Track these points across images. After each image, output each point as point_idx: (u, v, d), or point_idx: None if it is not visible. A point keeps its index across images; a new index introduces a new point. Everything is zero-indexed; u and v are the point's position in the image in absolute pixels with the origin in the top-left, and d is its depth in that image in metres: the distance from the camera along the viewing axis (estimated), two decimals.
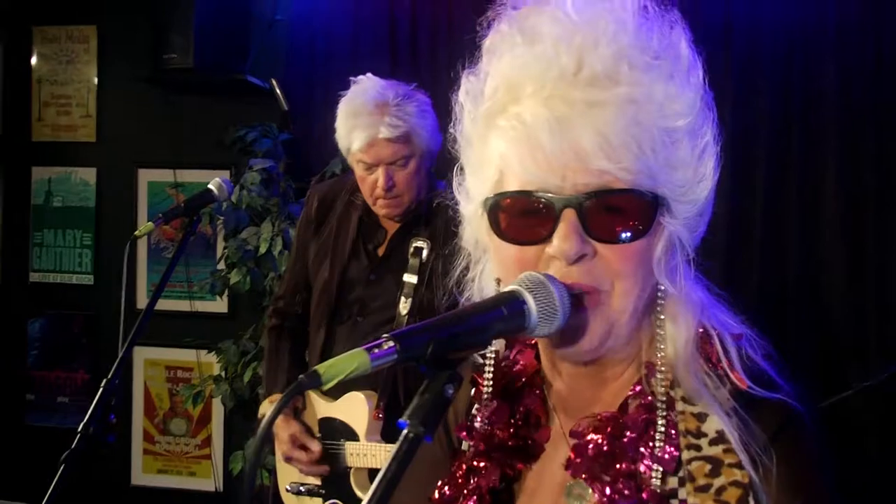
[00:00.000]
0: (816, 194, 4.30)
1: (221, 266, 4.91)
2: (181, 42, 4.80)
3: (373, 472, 3.15)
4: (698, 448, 1.20)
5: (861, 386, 3.63)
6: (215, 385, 4.79)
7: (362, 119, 3.08)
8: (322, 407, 3.29)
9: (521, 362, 1.39)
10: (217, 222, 4.92)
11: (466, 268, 1.37)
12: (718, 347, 1.25)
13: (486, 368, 1.37)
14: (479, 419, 1.37)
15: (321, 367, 1.01)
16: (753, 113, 4.35)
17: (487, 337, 1.16)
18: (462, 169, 1.33)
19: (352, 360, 1.02)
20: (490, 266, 1.33)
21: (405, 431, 1.05)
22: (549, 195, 1.18)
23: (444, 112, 1.47)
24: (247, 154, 4.88)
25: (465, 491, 1.34)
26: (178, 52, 4.82)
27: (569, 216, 1.18)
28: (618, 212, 1.19)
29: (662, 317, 1.26)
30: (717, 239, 4.30)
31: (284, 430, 3.25)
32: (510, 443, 1.35)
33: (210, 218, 4.83)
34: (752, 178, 4.34)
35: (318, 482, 3.27)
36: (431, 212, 3.16)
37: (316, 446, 3.23)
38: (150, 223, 2.93)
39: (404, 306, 3.11)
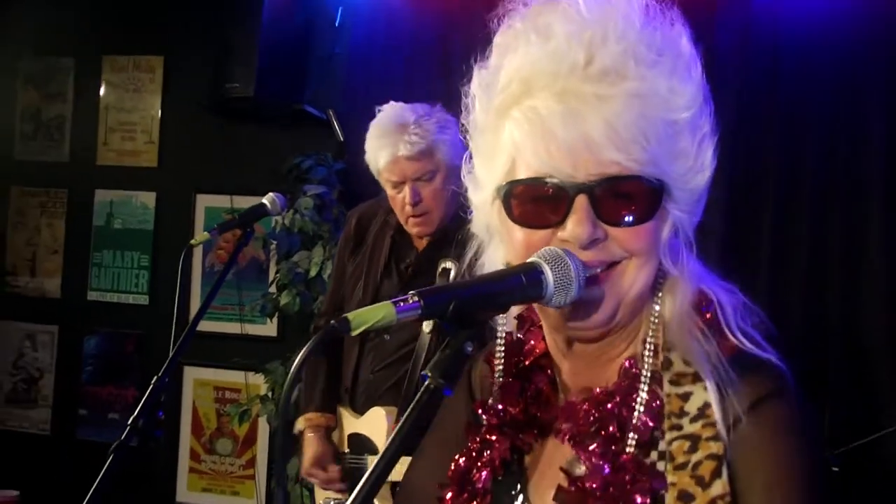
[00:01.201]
0: (861, 239, 4.27)
1: (273, 289, 5.03)
2: (243, 72, 4.96)
3: (393, 485, 3.23)
4: (679, 428, 1.25)
5: None
6: (262, 404, 4.89)
7: (384, 139, 3.26)
8: (350, 423, 3.41)
9: (531, 342, 1.46)
10: (270, 247, 5.05)
11: (477, 252, 1.45)
12: (716, 307, 1.32)
13: (498, 348, 1.44)
14: (491, 395, 1.45)
15: (351, 315, 1.10)
16: (797, 152, 4.34)
17: (506, 301, 1.24)
18: (471, 157, 1.41)
19: (378, 311, 1.11)
20: (500, 251, 1.40)
21: (426, 383, 1.13)
22: (562, 181, 1.26)
23: None
24: (302, 182, 4.99)
25: (479, 463, 1.41)
26: (240, 82, 4.97)
27: (581, 202, 1.25)
28: (626, 197, 1.27)
29: (660, 294, 1.34)
30: (760, 281, 4.30)
31: (312, 448, 3.38)
32: (520, 418, 1.41)
33: (264, 243, 4.97)
34: (795, 221, 4.34)
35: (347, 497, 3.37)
36: (462, 233, 3.24)
37: (334, 469, 3.41)
38: (205, 233, 3.08)
39: (427, 324, 3.17)
